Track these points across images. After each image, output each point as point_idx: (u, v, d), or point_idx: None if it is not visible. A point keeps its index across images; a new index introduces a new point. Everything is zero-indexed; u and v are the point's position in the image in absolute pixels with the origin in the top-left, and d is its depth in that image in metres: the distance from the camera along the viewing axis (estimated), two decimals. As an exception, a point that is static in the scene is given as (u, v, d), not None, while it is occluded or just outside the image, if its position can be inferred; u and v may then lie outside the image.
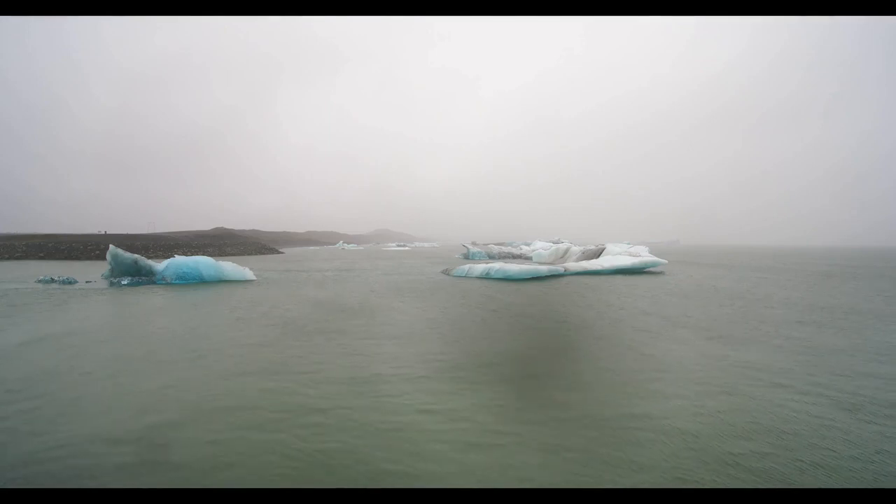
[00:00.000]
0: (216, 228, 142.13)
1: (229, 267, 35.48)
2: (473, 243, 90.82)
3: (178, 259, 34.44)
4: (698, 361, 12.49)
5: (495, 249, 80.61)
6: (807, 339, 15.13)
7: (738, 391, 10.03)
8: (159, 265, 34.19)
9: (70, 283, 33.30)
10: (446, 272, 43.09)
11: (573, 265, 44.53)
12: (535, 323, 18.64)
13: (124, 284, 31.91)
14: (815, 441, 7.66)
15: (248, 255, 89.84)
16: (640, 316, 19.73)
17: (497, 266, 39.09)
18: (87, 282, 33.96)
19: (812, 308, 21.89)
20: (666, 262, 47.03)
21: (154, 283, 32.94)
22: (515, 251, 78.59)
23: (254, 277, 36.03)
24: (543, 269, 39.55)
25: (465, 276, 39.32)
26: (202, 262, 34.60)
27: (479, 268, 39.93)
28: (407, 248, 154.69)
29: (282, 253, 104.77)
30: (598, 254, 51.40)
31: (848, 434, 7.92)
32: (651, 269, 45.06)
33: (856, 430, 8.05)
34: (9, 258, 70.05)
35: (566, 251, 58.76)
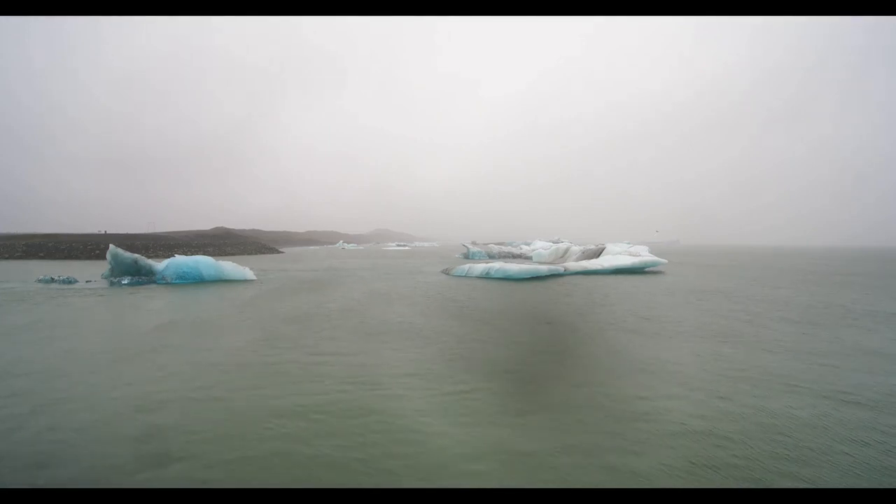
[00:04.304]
0: (216, 228, 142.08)
1: (229, 266, 35.48)
2: (473, 243, 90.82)
3: (178, 259, 34.45)
4: (694, 364, 12.50)
5: (495, 249, 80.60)
6: (806, 342, 15.13)
7: (739, 401, 10.01)
8: (159, 265, 34.19)
9: (70, 282, 33.30)
10: (446, 272, 43.07)
11: (573, 265, 44.52)
12: (531, 323, 18.63)
13: (124, 284, 31.91)
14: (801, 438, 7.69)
15: (249, 254, 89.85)
16: (634, 317, 19.72)
17: (497, 266, 39.07)
18: (87, 281, 33.96)
19: (808, 308, 21.90)
20: (666, 261, 47.02)
21: (154, 282, 32.94)
22: (515, 251, 78.58)
23: (254, 277, 36.04)
24: (543, 268, 39.53)
25: (465, 276, 39.30)
26: (202, 262, 34.60)
27: (479, 267, 39.92)
28: (407, 248, 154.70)
29: (282, 253, 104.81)
30: (598, 253, 51.38)
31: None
32: (651, 269, 45.07)
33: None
34: (9, 258, 70.04)
35: (566, 251, 58.75)
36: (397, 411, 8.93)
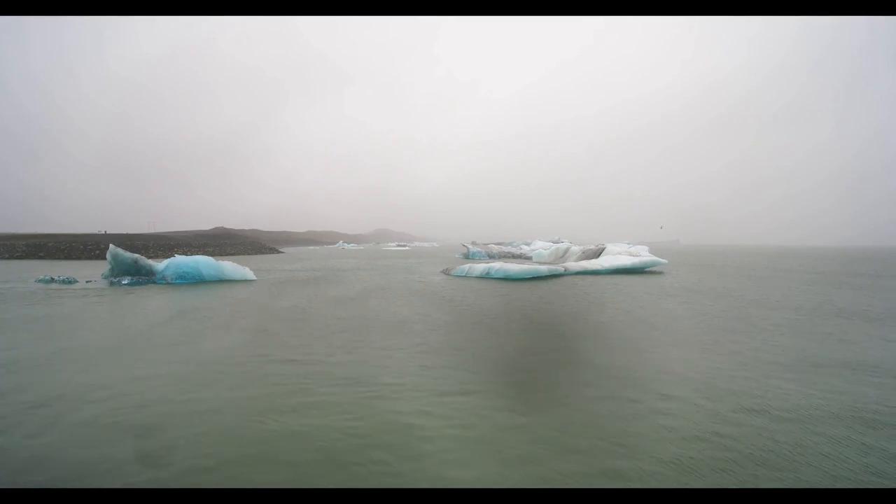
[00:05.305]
0: (216, 228, 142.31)
1: (229, 266, 35.48)
2: (473, 243, 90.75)
3: (178, 259, 34.45)
4: (691, 367, 12.50)
5: (495, 249, 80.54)
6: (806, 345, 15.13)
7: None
8: (159, 265, 34.20)
9: (70, 282, 33.31)
10: (446, 272, 43.05)
11: (573, 265, 44.49)
12: (529, 325, 18.65)
13: (124, 284, 31.92)
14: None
15: (248, 254, 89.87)
16: (630, 318, 19.73)
17: (497, 266, 39.07)
18: (87, 281, 33.97)
19: (798, 309, 21.90)
20: (666, 261, 46.97)
21: (154, 282, 32.94)
22: (515, 251, 78.53)
23: (254, 277, 36.03)
24: (543, 268, 39.52)
25: (465, 276, 39.29)
26: (202, 262, 34.60)
27: (479, 267, 39.91)
28: (407, 248, 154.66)
29: (282, 252, 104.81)
30: (598, 253, 51.32)
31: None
32: (651, 269, 45.05)
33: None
34: (9, 258, 70.08)
35: (566, 251, 58.71)
36: (384, 416, 8.88)
